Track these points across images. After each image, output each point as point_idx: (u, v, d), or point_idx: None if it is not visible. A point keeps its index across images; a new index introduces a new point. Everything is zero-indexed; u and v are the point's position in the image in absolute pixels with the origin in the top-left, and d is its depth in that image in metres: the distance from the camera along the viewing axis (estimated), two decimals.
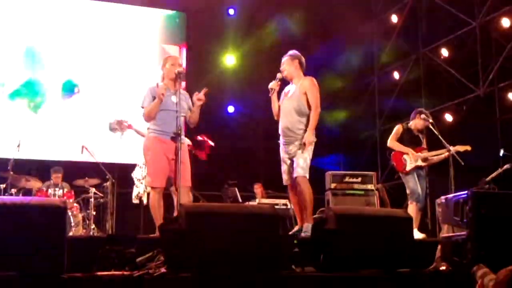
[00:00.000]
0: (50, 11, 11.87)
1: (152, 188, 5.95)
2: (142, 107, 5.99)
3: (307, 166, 6.04)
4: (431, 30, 12.10)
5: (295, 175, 6.03)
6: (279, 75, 6.33)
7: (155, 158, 5.91)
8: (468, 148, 7.57)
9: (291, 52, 6.40)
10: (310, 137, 6.04)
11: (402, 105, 11.68)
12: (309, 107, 6.13)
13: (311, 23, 13.00)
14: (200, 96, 5.98)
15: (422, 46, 12.06)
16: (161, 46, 12.42)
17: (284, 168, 6.19)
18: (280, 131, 6.26)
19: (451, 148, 7.47)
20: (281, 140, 6.23)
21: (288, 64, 6.33)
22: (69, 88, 11.77)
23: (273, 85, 6.33)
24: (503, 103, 10.79)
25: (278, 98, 6.40)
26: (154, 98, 5.89)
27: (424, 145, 7.72)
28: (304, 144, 6.00)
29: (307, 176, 6.02)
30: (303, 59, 6.39)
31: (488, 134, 10.52)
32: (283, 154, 6.22)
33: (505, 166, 8.25)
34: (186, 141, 6.58)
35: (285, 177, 6.19)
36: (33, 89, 11.49)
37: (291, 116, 6.18)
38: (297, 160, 6.04)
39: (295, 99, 6.20)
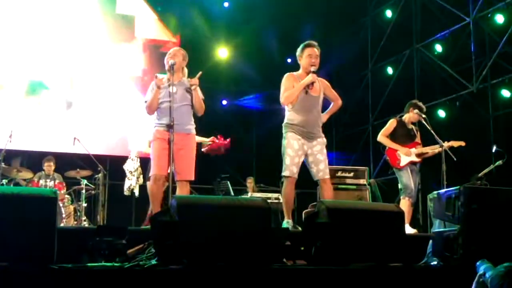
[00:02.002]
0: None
1: (152, 175, 5.94)
2: (146, 102, 6.03)
3: None
4: (425, 25, 12.11)
5: (326, 176, 6.09)
6: (314, 68, 6.14)
7: (154, 149, 5.93)
8: (463, 143, 7.58)
9: (315, 42, 6.28)
10: (325, 119, 6.33)
11: (395, 100, 11.69)
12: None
13: (306, 17, 12.96)
14: (193, 80, 5.97)
15: (416, 41, 12.07)
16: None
17: (296, 160, 6.02)
18: (301, 123, 6.08)
19: (445, 143, 7.47)
20: (300, 133, 6.07)
21: (318, 57, 6.21)
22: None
23: (314, 78, 6.15)
24: (496, 99, 10.83)
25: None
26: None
27: (418, 140, 7.73)
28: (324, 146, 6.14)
29: None
30: None
31: (480, 130, 10.55)
32: (299, 147, 6.04)
33: (497, 162, 8.26)
34: (199, 139, 6.49)
35: (295, 169, 6.01)
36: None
37: (317, 112, 6.21)
38: (325, 161, 6.11)
39: (320, 97, 6.24)
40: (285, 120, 6.21)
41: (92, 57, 11.94)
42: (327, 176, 6.13)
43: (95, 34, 12.07)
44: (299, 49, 6.27)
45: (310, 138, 6.10)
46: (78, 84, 11.77)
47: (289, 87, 6.14)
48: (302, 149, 6.06)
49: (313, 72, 6.12)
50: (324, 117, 6.34)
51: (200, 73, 6.06)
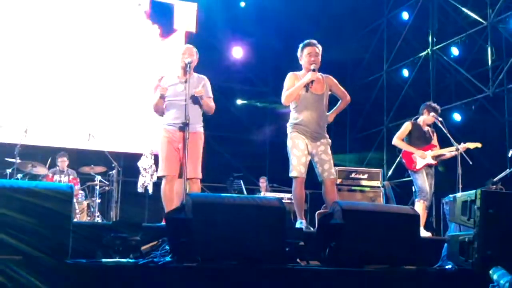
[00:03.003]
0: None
1: (163, 176, 5.94)
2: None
3: None
4: (441, 28, 12.05)
5: (331, 176, 6.04)
6: (314, 66, 6.09)
7: (163, 148, 5.94)
8: (479, 145, 7.54)
9: (314, 40, 6.24)
10: (332, 118, 6.28)
11: (410, 102, 11.65)
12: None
13: (322, 18, 12.94)
14: (198, 92, 5.97)
15: (432, 44, 12.00)
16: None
17: (303, 160, 6.00)
18: (305, 123, 6.06)
19: (461, 145, 7.42)
20: (304, 133, 6.06)
21: (319, 55, 6.18)
22: None
23: (313, 76, 6.08)
24: None
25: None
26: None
27: (435, 142, 7.68)
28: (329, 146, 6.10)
29: None
30: None
31: (496, 134, 10.47)
32: (304, 147, 6.03)
33: None
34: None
35: (303, 169, 5.98)
36: None
37: (322, 111, 6.16)
38: (330, 161, 6.06)
39: (325, 95, 6.20)
40: (290, 120, 6.22)
41: (108, 52, 11.99)
42: (332, 177, 6.08)
43: (110, 30, 12.11)
44: (299, 49, 6.25)
45: (314, 138, 6.08)
46: (94, 79, 11.80)
47: (290, 86, 6.12)
48: (307, 149, 6.05)
49: (313, 70, 6.07)
50: (331, 116, 6.29)
51: (203, 83, 6.09)
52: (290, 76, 6.20)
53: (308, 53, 6.14)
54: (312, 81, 6.06)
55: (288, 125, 6.20)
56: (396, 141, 7.66)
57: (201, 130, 6.09)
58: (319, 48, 6.19)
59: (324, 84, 6.20)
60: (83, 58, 11.75)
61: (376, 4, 13.34)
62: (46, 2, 11.74)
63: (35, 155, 9.99)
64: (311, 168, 6.15)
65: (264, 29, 13.19)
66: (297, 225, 5.92)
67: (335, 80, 6.32)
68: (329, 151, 6.11)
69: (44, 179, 9.24)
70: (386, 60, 13.26)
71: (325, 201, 6.21)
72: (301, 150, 6.01)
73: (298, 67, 6.31)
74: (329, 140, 6.17)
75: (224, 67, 12.78)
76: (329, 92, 6.27)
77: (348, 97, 6.38)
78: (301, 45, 6.24)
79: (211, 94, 6.20)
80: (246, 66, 13.59)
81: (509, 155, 8.30)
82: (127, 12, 12.39)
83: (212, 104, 6.14)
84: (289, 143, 6.12)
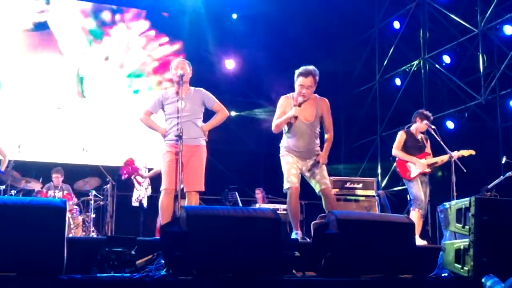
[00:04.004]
0: None
1: (163, 189, 5.93)
2: (146, 110, 6.09)
3: None
4: (433, 36, 12.11)
5: (323, 186, 6.06)
6: (301, 99, 6.05)
7: (165, 162, 5.95)
8: (473, 152, 7.56)
9: (311, 69, 6.07)
10: (325, 159, 6.13)
11: (403, 111, 11.67)
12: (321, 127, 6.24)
13: (313, 28, 12.99)
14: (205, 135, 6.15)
15: (424, 52, 12.05)
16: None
17: (293, 171, 6.04)
18: (295, 147, 6.11)
19: (455, 153, 7.43)
20: (295, 155, 6.10)
21: (312, 86, 6.08)
22: None
23: (297, 112, 6.04)
24: (505, 110, 10.79)
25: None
26: (161, 105, 6.04)
27: (428, 150, 7.69)
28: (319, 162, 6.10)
29: None
30: None
31: (489, 141, 10.51)
32: (293, 161, 6.08)
33: (507, 174, 8.21)
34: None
35: (294, 179, 6.02)
36: None
37: (311, 138, 6.16)
38: (321, 172, 6.08)
39: (315, 123, 6.18)
40: (282, 142, 6.29)
41: (101, 67, 11.99)
42: (324, 186, 6.07)
43: (104, 45, 12.12)
44: (295, 74, 6.15)
45: (303, 158, 6.13)
46: (89, 94, 11.80)
47: (280, 114, 6.17)
48: (297, 164, 6.11)
49: (299, 105, 6.03)
50: (322, 158, 6.13)
51: (202, 96, 6.15)
52: (281, 102, 6.23)
53: (300, 84, 6.07)
54: (296, 116, 6.04)
55: (280, 145, 6.28)
56: (396, 151, 7.66)
57: (203, 143, 6.10)
58: (315, 78, 6.06)
59: (316, 109, 6.17)
60: (76, 73, 11.75)
61: (367, 14, 13.39)
62: (36, 16, 11.74)
63: (29, 170, 9.96)
64: (306, 181, 6.20)
65: (256, 41, 13.23)
66: (293, 236, 5.92)
67: (328, 107, 6.25)
68: (319, 164, 6.12)
69: (38, 195, 9.20)
70: (379, 70, 13.30)
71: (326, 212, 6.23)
72: (290, 163, 6.08)
73: (289, 77, 6.31)
74: (319, 154, 6.17)
75: (217, 79, 12.78)
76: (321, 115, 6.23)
77: (331, 133, 6.23)
78: (296, 72, 6.14)
79: (215, 100, 6.23)
80: (239, 78, 13.61)
81: (503, 162, 8.31)
82: (118, 25, 12.41)
83: (224, 117, 6.25)
84: (281, 161, 6.20)
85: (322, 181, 6.07)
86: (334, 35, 13.27)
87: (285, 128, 6.19)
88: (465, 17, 11.05)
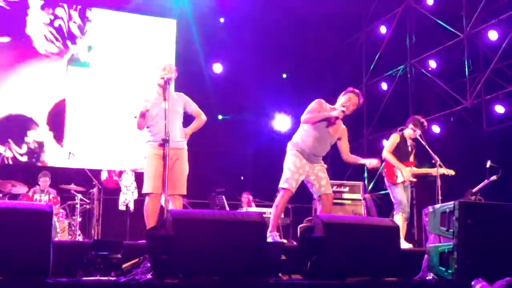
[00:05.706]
0: None
1: (147, 194, 5.91)
2: (135, 117, 6.02)
3: None
4: (419, 41, 12.18)
5: (328, 191, 6.20)
6: (345, 109, 6.24)
7: (150, 166, 5.89)
8: (452, 172, 7.63)
9: (362, 97, 6.45)
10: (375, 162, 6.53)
11: (389, 115, 11.73)
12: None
13: (300, 32, 13.03)
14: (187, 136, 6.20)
15: (410, 57, 12.12)
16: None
17: (296, 176, 6.11)
18: (309, 149, 6.18)
19: (436, 169, 7.47)
20: (305, 156, 6.18)
21: (354, 108, 6.38)
22: None
23: (340, 115, 6.24)
24: (490, 115, 10.87)
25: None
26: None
27: (412, 158, 7.74)
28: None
29: None
30: None
31: (475, 145, 10.58)
32: (301, 166, 6.15)
33: (492, 178, 8.28)
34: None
35: (294, 184, 6.09)
36: None
37: (326, 147, 6.34)
38: (327, 179, 6.24)
39: (335, 137, 6.36)
40: (296, 138, 6.30)
41: (90, 71, 11.98)
42: (329, 191, 6.23)
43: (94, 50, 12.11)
44: (346, 90, 6.42)
45: (311, 161, 6.21)
46: (75, 97, 11.78)
47: (315, 110, 6.26)
48: (303, 169, 6.16)
49: (343, 111, 6.20)
50: (372, 161, 6.49)
51: (184, 100, 6.19)
52: (318, 101, 6.34)
53: (349, 99, 6.31)
54: (336, 118, 6.22)
55: (293, 142, 6.29)
56: (387, 154, 7.67)
57: (186, 146, 6.11)
58: (359, 103, 6.39)
59: (338, 131, 6.36)
60: (63, 76, 11.72)
61: (354, 19, 13.45)
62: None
63: (16, 174, 9.91)
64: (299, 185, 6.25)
65: (243, 44, 13.24)
66: (269, 240, 5.86)
67: (346, 135, 6.50)
68: (325, 172, 6.27)
69: (24, 199, 9.16)
70: (365, 74, 13.36)
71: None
72: (297, 168, 6.13)
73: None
74: (325, 165, 6.36)
75: (204, 82, 12.79)
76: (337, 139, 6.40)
77: (347, 155, 6.56)
78: (348, 88, 6.45)
79: (195, 105, 6.27)
80: (226, 81, 13.61)
81: (488, 166, 8.37)
82: (107, 28, 12.40)
83: (204, 117, 6.28)
84: (288, 158, 6.22)
85: (327, 186, 6.21)
86: (320, 40, 13.31)
87: (310, 126, 6.22)
88: (451, 22, 11.12)
